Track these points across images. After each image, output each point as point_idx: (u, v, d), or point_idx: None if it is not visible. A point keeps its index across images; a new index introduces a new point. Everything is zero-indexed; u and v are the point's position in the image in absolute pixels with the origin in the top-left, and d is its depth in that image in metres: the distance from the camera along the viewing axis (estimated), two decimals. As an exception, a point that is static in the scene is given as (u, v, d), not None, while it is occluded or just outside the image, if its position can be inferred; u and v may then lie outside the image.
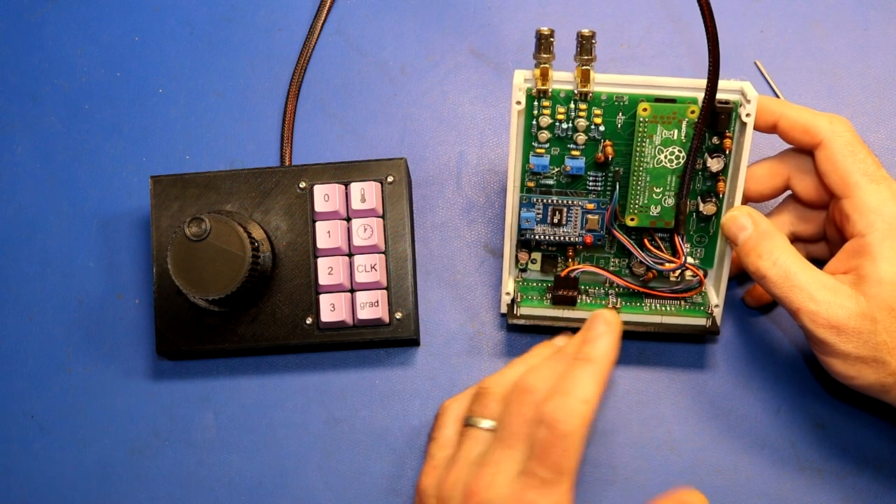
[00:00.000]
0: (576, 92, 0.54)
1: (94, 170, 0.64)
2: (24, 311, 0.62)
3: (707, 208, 0.55)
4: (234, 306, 0.58)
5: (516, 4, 0.65)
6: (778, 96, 0.63)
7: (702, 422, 0.59)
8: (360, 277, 0.58)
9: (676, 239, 0.56)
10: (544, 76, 0.54)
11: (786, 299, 0.51)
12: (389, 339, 0.59)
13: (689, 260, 0.57)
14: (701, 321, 0.56)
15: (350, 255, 0.59)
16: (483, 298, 0.61)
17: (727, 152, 0.55)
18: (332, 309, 0.58)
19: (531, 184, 0.57)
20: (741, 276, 0.60)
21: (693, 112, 0.53)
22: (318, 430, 0.60)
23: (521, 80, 0.54)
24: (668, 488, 0.58)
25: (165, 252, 0.58)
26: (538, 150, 0.56)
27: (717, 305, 0.56)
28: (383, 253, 0.59)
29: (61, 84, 0.65)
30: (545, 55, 0.53)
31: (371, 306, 0.58)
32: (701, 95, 0.53)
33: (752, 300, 0.60)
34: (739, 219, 0.54)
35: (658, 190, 0.55)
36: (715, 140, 0.55)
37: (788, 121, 0.54)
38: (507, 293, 0.57)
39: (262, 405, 0.60)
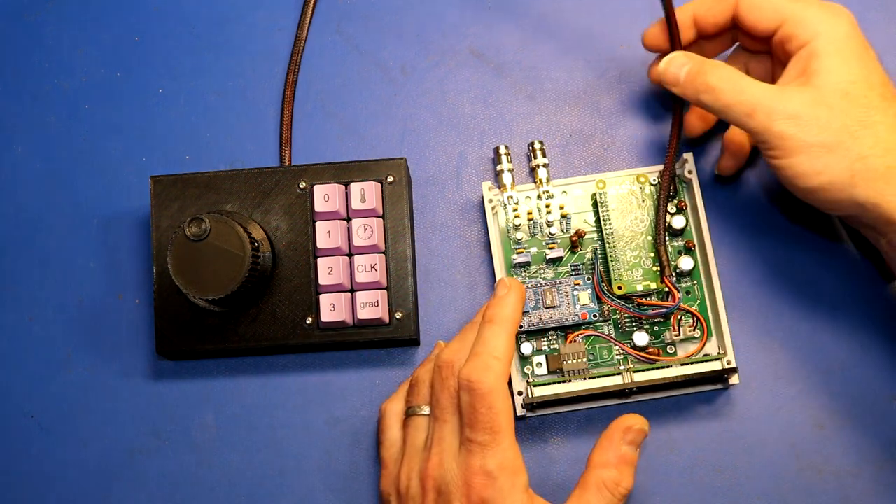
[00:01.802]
0: (538, 192, 0.60)
1: (94, 170, 0.64)
2: (24, 311, 0.62)
3: (684, 263, 0.58)
4: (234, 306, 0.58)
5: (516, 4, 0.65)
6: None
7: (702, 422, 0.59)
8: (360, 277, 0.58)
9: (667, 280, 0.57)
10: (508, 184, 0.60)
11: (738, 104, 0.52)
12: (389, 339, 0.59)
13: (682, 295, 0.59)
14: (715, 366, 0.57)
15: (350, 255, 0.59)
16: (483, 298, 0.61)
17: (685, 209, 0.60)
18: (332, 309, 0.58)
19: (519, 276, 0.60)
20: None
21: (643, 179, 0.59)
22: (318, 430, 0.60)
23: (487, 189, 0.60)
24: (668, 488, 0.58)
25: (165, 252, 0.58)
26: (518, 251, 0.60)
27: (723, 353, 0.57)
28: (383, 253, 0.59)
29: (61, 84, 0.65)
30: (505, 165, 0.60)
31: (371, 306, 0.58)
32: (640, 172, 0.59)
33: (732, 146, 0.59)
34: (677, 59, 0.55)
35: (634, 254, 0.58)
36: (671, 207, 0.60)
37: (713, 17, 0.56)
38: (519, 392, 0.58)
39: (262, 405, 0.60)
